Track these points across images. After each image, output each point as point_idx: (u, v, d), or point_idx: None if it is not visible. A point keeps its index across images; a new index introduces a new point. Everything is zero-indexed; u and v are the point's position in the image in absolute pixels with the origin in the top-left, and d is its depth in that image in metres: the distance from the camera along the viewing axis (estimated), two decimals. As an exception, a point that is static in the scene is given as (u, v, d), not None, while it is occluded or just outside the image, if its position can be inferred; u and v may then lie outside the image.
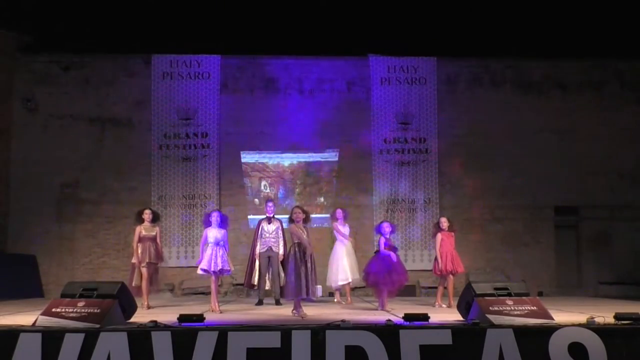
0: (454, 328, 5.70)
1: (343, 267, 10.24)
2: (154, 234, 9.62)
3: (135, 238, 9.56)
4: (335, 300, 10.49)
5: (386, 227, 8.95)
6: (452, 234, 9.63)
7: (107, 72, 13.51)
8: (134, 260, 9.61)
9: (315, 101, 13.68)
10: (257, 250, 10.18)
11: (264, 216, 10.54)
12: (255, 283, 10.29)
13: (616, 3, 13.37)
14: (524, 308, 6.21)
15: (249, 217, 13.20)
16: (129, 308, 6.66)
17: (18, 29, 13.29)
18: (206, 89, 13.44)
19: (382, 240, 8.87)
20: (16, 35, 13.34)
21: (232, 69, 13.66)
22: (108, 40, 13.34)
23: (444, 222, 9.60)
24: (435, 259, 9.52)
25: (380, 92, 13.58)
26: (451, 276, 9.51)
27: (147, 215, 9.71)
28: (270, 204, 10.43)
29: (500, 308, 6.18)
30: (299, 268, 7.59)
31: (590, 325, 5.79)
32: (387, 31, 13.63)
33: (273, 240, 10.14)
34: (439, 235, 9.53)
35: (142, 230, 9.58)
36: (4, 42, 13.21)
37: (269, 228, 10.19)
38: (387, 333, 5.58)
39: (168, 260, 9.70)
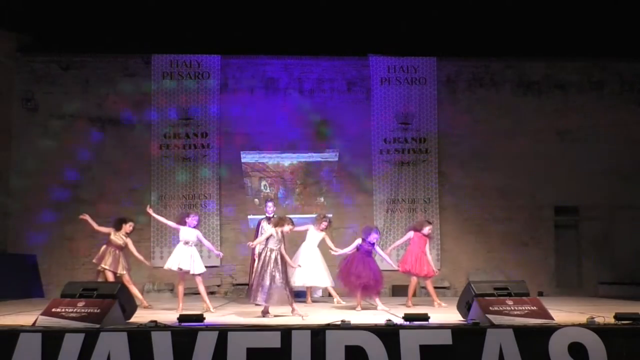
0: (454, 328, 5.70)
1: (303, 269, 10.11)
2: (121, 243, 9.63)
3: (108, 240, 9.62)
4: (336, 301, 10.48)
5: (374, 236, 9.05)
6: (427, 239, 9.77)
7: (107, 72, 13.50)
8: (94, 260, 9.66)
9: (315, 101, 13.68)
10: (257, 250, 10.18)
11: (264, 216, 10.55)
12: None
13: (616, 3, 13.38)
14: (524, 308, 6.21)
15: (249, 217, 13.20)
16: (129, 308, 6.66)
17: (18, 29, 13.28)
18: (206, 89, 13.44)
19: (361, 244, 9.00)
20: (16, 35, 13.32)
21: (232, 69, 13.66)
22: (108, 40, 13.33)
23: (427, 230, 9.77)
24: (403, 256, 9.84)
25: (380, 92, 13.58)
26: (414, 278, 9.66)
27: (129, 227, 9.72)
28: (269, 204, 10.44)
29: (500, 308, 6.18)
30: (272, 273, 7.67)
31: (590, 325, 5.79)
32: (387, 31, 13.63)
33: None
34: (412, 234, 9.73)
35: (112, 234, 9.62)
36: (4, 42, 13.19)
37: (268, 228, 10.18)
38: (387, 333, 5.58)
39: (127, 272, 9.70)
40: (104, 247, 9.63)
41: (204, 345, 5.43)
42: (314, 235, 10.40)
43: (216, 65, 13.49)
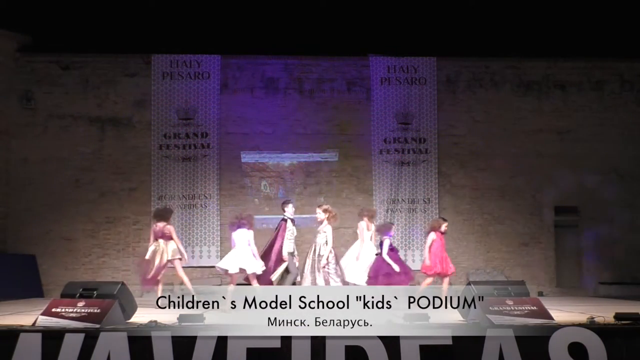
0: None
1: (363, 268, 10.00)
2: (174, 231, 9.80)
3: (157, 235, 9.59)
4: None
5: (392, 231, 9.19)
6: (443, 236, 9.81)
7: (107, 72, 13.48)
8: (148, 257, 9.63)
9: (315, 101, 13.67)
10: (288, 249, 9.52)
11: (284, 216, 9.79)
12: (275, 283, 10.04)
13: (616, 3, 13.37)
14: (524, 308, 6.22)
15: (249, 217, 13.17)
16: (129, 308, 6.67)
17: (18, 29, 13.27)
18: (206, 89, 13.43)
19: (388, 242, 9.04)
20: (16, 35, 13.31)
21: (232, 69, 13.65)
22: (108, 40, 13.32)
23: (445, 227, 9.78)
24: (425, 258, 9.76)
25: (380, 92, 13.57)
26: (429, 279, 9.62)
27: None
28: (290, 205, 9.86)
29: (500, 308, 6.19)
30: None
31: (590, 325, 5.80)
32: (387, 31, 13.63)
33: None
34: (434, 235, 9.68)
35: (168, 225, 9.64)
36: (4, 42, 13.18)
37: (294, 230, 9.82)
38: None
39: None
40: (170, 241, 9.59)
41: (204, 345, 5.43)
42: (368, 231, 9.83)
43: (216, 65, 13.48)
